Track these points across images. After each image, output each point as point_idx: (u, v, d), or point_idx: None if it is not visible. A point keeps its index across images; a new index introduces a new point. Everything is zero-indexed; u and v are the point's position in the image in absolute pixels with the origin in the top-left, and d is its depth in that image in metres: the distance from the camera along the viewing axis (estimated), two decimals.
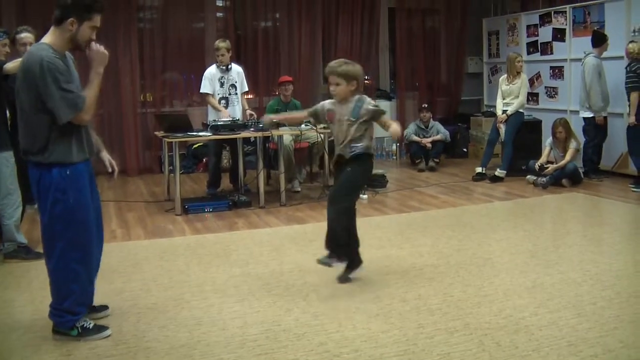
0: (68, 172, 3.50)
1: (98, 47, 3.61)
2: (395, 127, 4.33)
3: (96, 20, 3.55)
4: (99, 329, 3.72)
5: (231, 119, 7.30)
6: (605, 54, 8.16)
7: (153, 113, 9.56)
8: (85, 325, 3.67)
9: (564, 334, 3.56)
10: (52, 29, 3.51)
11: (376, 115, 4.43)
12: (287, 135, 7.54)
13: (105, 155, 4.09)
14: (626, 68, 7.66)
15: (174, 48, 9.93)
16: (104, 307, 4.08)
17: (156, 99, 9.92)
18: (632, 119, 7.53)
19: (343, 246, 4.50)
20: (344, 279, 4.57)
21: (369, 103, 4.44)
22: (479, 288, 4.38)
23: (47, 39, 3.50)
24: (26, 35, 5.65)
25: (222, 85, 7.61)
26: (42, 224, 3.60)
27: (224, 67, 7.60)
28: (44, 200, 3.52)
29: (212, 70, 7.64)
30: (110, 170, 4.04)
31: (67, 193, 3.50)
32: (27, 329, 3.81)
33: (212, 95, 7.57)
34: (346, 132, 4.42)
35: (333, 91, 4.46)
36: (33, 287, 4.55)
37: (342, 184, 4.50)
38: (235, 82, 7.70)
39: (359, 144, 4.43)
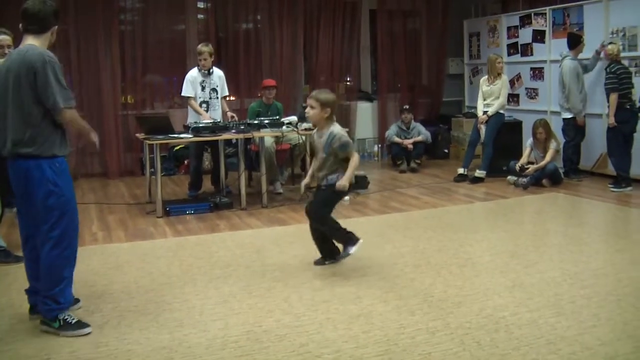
0: (57, 164, 3.68)
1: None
2: (343, 182, 4.77)
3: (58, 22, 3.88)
4: (80, 325, 3.79)
5: (212, 120, 7.29)
6: (583, 55, 8.25)
7: (134, 115, 9.51)
8: (67, 320, 3.76)
9: (543, 333, 3.60)
10: (31, 37, 3.71)
11: (342, 147, 4.79)
12: (268, 137, 7.54)
13: None
14: (605, 69, 7.72)
15: (155, 50, 9.89)
16: (76, 301, 4.13)
17: (137, 101, 9.88)
18: (612, 120, 7.59)
19: (337, 236, 4.94)
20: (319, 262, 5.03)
21: (339, 136, 4.81)
22: (460, 288, 4.41)
23: (32, 43, 3.70)
24: (4, 38, 5.61)
25: (203, 89, 7.60)
26: (33, 216, 3.72)
27: (205, 71, 7.58)
28: (35, 193, 3.65)
29: (193, 74, 7.62)
30: None
31: (59, 185, 3.68)
32: (5, 333, 3.78)
33: (194, 98, 7.56)
34: (322, 164, 4.88)
35: (307, 113, 4.88)
36: (12, 290, 4.52)
37: (317, 202, 4.95)
38: (217, 86, 7.69)
39: (333, 176, 4.83)
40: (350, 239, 4.88)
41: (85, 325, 3.80)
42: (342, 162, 4.83)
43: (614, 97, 7.53)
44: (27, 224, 3.81)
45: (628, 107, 7.55)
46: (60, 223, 3.70)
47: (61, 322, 3.75)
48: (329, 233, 4.93)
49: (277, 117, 7.85)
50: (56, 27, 3.77)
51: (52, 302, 3.73)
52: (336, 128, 4.85)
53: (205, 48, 7.56)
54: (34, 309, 3.95)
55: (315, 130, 5.00)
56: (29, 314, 3.99)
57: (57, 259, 3.72)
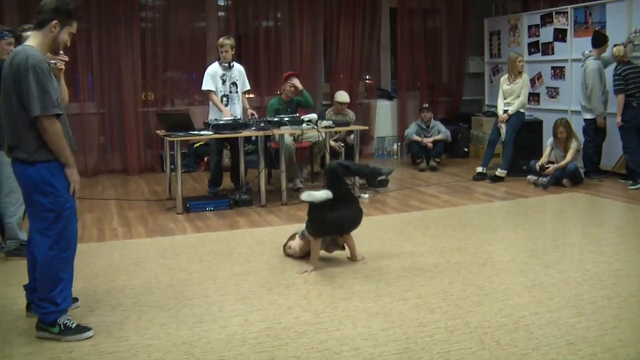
0: (54, 166, 3.60)
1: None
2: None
3: (74, 27, 3.74)
4: (81, 329, 3.72)
5: (232, 117, 7.32)
6: (602, 55, 8.17)
7: (155, 112, 9.58)
8: (67, 324, 3.69)
9: (564, 333, 3.58)
10: (33, 33, 3.67)
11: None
12: (288, 134, 7.55)
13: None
14: (613, 71, 7.75)
15: (175, 47, 9.94)
16: (74, 300, 4.10)
17: (158, 98, 9.93)
18: (618, 119, 7.74)
19: None
20: None
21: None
22: (479, 287, 4.40)
23: (30, 42, 3.64)
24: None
25: (223, 82, 7.63)
26: (31, 217, 3.68)
27: (226, 65, 7.62)
28: (33, 194, 3.61)
29: (214, 68, 7.66)
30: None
31: (55, 186, 3.59)
32: (30, 326, 3.82)
33: (215, 92, 7.60)
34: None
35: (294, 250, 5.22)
36: None
37: None
38: (237, 80, 7.72)
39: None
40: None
41: (87, 329, 3.74)
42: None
43: (620, 97, 7.72)
44: (30, 222, 3.75)
45: (635, 105, 7.67)
46: (57, 224, 3.62)
47: (61, 326, 3.66)
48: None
49: (297, 112, 7.88)
50: (55, 22, 3.59)
51: (50, 304, 3.64)
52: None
53: (227, 41, 7.60)
54: (30, 306, 3.97)
55: None
56: (26, 311, 4.02)
57: (54, 260, 3.63)
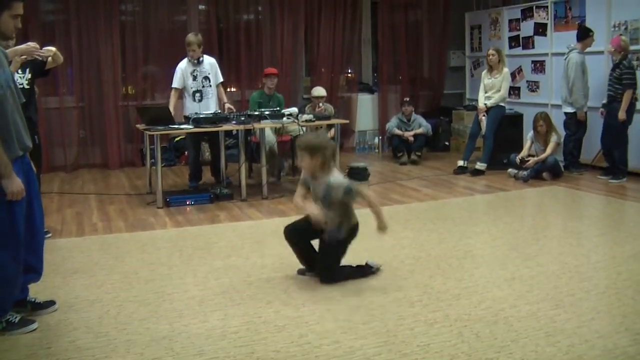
0: None
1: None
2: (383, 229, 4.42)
3: (17, 9, 3.50)
4: (25, 322, 3.68)
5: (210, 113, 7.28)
6: (591, 49, 8.19)
7: (135, 106, 9.51)
8: (10, 320, 3.64)
9: (542, 325, 3.60)
10: None
11: (349, 199, 4.33)
12: (269, 128, 7.53)
13: None
14: (622, 63, 7.53)
15: (155, 41, 9.86)
16: (51, 303, 4.01)
17: (138, 92, 9.87)
18: (623, 115, 7.52)
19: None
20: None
21: (340, 187, 4.27)
22: (459, 280, 4.42)
23: None
24: None
25: (195, 78, 7.57)
26: None
27: (195, 61, 7.56)
28: None
29: (182, 65, 7.59)
30: None
31: None
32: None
33: (179, 90, 7.57)
34: (325, 215, 4.29)
35: (301, 166, 4.42)
36: None
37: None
38: (209, 74, 7.64)
39: (340, 230, 4.39)
40: (364, 273, 4.51)
41: (31, 321, 3.71)
42: (345, 212, 4.39)
43: (630, 93, 7.47)
44: None
45: (634, 102, 7.61)
46: None
47: (4, 323, 3.61)
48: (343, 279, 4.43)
49: (278, 108, 7.84)
50: None
51: None
52: (333, 177, 4.30)
53: (194, 38, 7.51)
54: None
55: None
56: None
57: None
